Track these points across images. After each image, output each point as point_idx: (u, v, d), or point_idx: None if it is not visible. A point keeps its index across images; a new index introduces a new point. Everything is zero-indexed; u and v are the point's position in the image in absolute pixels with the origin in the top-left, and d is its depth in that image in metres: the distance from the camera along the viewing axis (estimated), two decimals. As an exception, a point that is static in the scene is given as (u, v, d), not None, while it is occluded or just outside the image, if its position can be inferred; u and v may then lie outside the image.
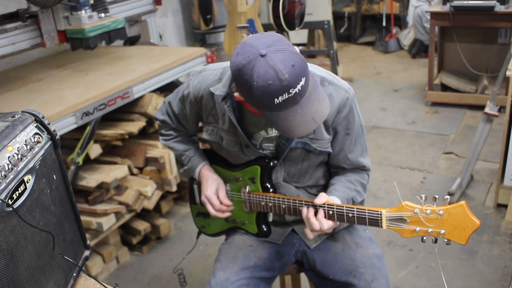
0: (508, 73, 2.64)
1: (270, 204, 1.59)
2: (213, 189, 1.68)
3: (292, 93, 1.22)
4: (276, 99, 1.22)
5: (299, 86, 1.22)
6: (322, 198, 1.46)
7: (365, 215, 1.40)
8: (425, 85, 4.68)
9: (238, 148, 1.60)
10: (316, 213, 1.47)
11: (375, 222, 1.39)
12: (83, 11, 2.64)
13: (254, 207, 1.65)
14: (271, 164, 1.58)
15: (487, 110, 2.92)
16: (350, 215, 1.42)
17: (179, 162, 1.83)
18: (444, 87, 4.50)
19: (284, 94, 1.21)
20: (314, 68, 1.54)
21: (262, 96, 1.22)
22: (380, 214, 1.37)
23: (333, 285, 1.64)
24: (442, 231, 1.31)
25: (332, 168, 1.67)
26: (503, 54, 3.81)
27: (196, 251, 2.73)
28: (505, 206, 2.90)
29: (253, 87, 1.21)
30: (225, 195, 1.68)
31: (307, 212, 1.47)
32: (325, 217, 1.46)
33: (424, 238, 1.35)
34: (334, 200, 1.49)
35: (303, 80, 1.23)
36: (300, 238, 1.72)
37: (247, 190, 1.65)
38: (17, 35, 2.60)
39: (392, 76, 5.43)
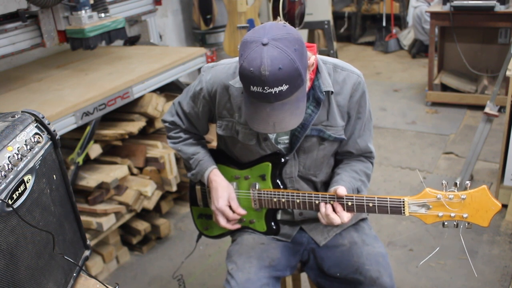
0: (508, 73, 2.64)
1: (283, 200, 1.58)
2: (225, 200, 1.64)
3: (266, 92, 1.25)
4: (251, 86, 1.26)
5: (276, 89, 1.24)
6: (343, 190, 1.47)
7: (387, 203, 1.42)
8: (425, 85, 4.68)
9: (255, 142, 1.59)
10: (334, 208, 1.49)
11: (398, 210, 1.42)
12: (83, 11, 2.64)
13: (265, 204, 1.64)
14: (283, 160, 1.59)
15: (487, 110, 2.92)
16: (371, 205, 1.45)
17: (186, 167, 1.80)
18: (444, 87, 4.50)
19: (258, 87, 1.25)
20: (326, 57, 1.57)
21: (242, 76, 1.28)
22: (403, 202, 1.40)
23: (338, 282, 1.64)
24: (465, 215, 1.35)
25: (338, 156, 1.68)
26: (503, 54, 3.80)
27: (196, 251, 2.73)
28: (505, 206, 2.90)
29: (240, 64, 1.27)
30: (238, 205, 1.66)
31: (326, 209, 1.49)
32: (344, 209, 1.48)
33: (446, 223, 1.38)
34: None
35: (285, 86, 1.25)
36: (309, 236, 1.72)
37: (256, 187, 1.64)
38: (17, 35, 2.60)
39: (392, 76, 5.43)
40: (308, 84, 1.45)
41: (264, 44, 1.23)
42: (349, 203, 1.47)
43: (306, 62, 1.31)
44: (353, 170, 1.63)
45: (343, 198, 1.47)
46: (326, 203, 1.50)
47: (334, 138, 1.57)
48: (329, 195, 1.50)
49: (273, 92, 1.24)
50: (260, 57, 1.22)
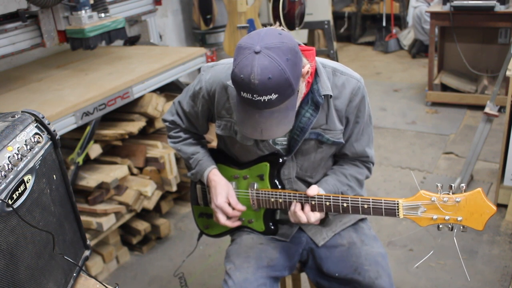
0: (508, 73, 2.64)
1: (280, 200, 1.59)
2: (224, 197, 1.65)
3: (256, 99, 1.25)
4: (242, 92, 1.27)
5: (265, 98, 1.25)
6: (312, 191, 1.51)
7: (382, 205, 1.43)
8: (425, 85, 4.68)
9: (253, 141, 1.59)
10: (302, 207, 1.52)
11: (392, 212, 1.42)
12: (83, 11, 2.64)
13: (263, 204, 1.64)
14: (281, 160, 1.59)
15: (487, 110, 2.92)
16: (366, 206, 1.45)
17: (187, 166, 1.82)
18: (444, 87, 4.50)
19: (248, 94, 1.26)
20: (326, 60, 1.57)
21: (233, 81, 1.30)
22: (397, 204, 1.41)
23: (337, 282, 1.64)
24: (459, 218, 1.34)
25: (335, 156, 1.69)
26: (503, 54, 3.81)
27: (196, 251, 2.73)
28: (505, 206, 2.90)
29: (232, 69, 1.28)
30: (236, 201, 1.66)
31: (295, 207, 1.53)
32: (340, 209, 1.49)
33: (440, 226, 1.38)
34: (321, 193, 1.54)
35: (274, 96, 1.25)
36: (308, 236, 1.72)
37: (255, 187, 1.64)
38: (17, 35, 2.60)
39: (392, 76, 5.43)
40: (304, 90, 1.45)
41: (256, 52, 1.23)
42: (344, 204, 1.48)
43: (299, 72, 1.30)
44: (343, 174, 1.63)
45: (339, 198, 1.48)
46: (301, 203, 1.53)
47: (332, 142, 1.57)
48: (325, 196, 1.51)
49: (262, 100, 1.25)
50: (251, 65, 1.22)
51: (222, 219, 1.66)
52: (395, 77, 5.37)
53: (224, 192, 1.65)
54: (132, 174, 2.82)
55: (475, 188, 1.34)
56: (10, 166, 1.01)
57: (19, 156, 1.04)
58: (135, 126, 2.75)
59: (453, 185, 1.35)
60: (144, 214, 2.96)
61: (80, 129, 2.49)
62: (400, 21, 6.54)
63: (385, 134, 4.07)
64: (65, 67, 3.01)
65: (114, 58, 3.10)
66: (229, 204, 1.65)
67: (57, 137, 1.21)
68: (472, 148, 3.06)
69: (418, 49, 5.89)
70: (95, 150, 2.59)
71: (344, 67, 1.57)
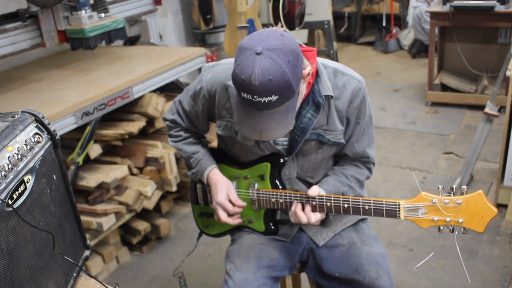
0: (508, 73, 2.64)
1: (281, 201, 1.59)
2: (224, 194, 1.65)
3: (256, 100, 1.25)
4: (242, 93, 1.27)
5: (265, 99, 1.25)
6: (313, 191, 1.51)
7: (383, 206, 1.43)
8: (425, 85, 4.68)
9: (253, 142, 1.59)
10: (303, 207, 1.53)
11: (393, 213, 1.42)
12: (83, 11, 2.64)
13: (264, 205, 1.64)
14: (281, 160, 1.59)
15: (487, 110, 2.92)
16: (367, 207, 1.45)
17: (187, 165, 1.82)
18: (444, 87, 4.50)
19: (248, 95, 1.26)
20: (327, 60, 1.57)
21: (234, 81, 1.29)
22: (398, 205, 1.40)
23: (337, 282, 1.64)
24: (460, 220, 1.34)
25: (335, 157, 1.69)
26: (503, 54, 3.81)
27: (196, 251, 2.73)
28: (505, 206, 2.90)
29: (233, 69, 1.28)
30: (237, 197, 1.66)
31: (295, 207, 1.53)
32: (340, 210, 1.49)
33: (441, 227, 1.38)
34: (322, 193, 1.54)
35: (275, 97, 1.25)
36: (308, 236, 1.72)
37: (255, 187, 1.64)
38: (17, 35, 2.60)
39: (392, 76, 5.43)
40: (305, 91, 1.45)
41: (257, 53, 1.23)
42: (345, 205, 1.48)
43: (300, 74, 1.30)
44: (343, 174, 1.64)
45: (340, 199, 1.48)
46: (302, 203, 1.53)
47: (333, 142, 1.57)
48: (325, 196, 1.51)
49: (262, 102, 1.25)
50: (252, 66, 1.22)
51: (223, 216, 1.66)
52: (395, 77, 5.37)
53: (224, 189, 1.66)
54: (132, 174, 2.82)
55: (475, 188, 1.33)
56: (10, 166, 1.01)
57: (19, 156, 1.04)
58: (135, 126, 2.75)
59: (454, 186, 1.34)
60: (144, 214, 2.96)
61: (80, 129, 2.48)
62: (400, 21, 6.54)
63: (385, 134, 4.07)
64: (65, 67, 3.01)
65: (114, 58, 3.10)
66: (230, 201, 1.65)
67: (57, 137, 1.21)
68: (472, 148, 3.06)
69: (418, 49, 5.89)
70: (95, 150, 2.59)
71: (345, 68, 1.57)
